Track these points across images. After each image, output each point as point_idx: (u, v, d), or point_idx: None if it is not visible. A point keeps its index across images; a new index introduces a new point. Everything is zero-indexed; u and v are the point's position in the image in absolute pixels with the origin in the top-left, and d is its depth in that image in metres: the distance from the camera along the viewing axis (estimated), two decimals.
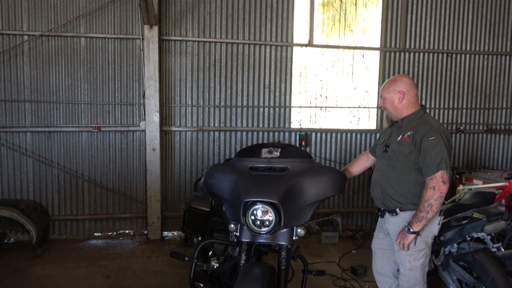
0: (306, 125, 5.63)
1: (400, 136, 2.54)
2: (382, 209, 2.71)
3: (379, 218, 2.82)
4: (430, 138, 2.36)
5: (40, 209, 4.87)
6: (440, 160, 2.32)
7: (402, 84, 2.57)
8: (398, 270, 2.73)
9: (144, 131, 5.05)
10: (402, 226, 2.52)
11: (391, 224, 2.63)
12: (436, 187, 2.32)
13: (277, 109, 5.47)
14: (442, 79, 5.81)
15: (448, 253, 3.04)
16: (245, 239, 2.32)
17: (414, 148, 2.43)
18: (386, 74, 5.65)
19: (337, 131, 5.64)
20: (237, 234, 2.37)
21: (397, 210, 2.55)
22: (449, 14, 5.71)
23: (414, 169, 2.48)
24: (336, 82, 5.65)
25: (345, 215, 5.76)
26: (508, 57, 5.91)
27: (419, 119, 2.52)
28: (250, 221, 2.19)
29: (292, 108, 5.53)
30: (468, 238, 2.88)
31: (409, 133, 2.49)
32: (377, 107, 5.73)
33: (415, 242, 2.46)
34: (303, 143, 5.48)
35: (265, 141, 5.46)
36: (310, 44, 5.47)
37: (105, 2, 4.89)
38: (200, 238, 3.88)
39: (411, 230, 2.40)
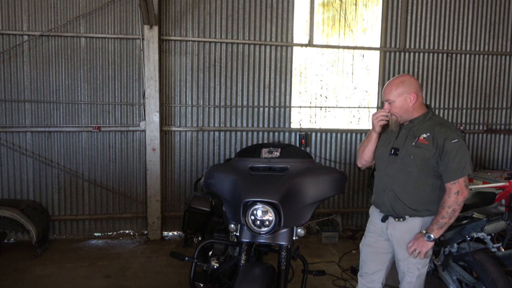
0: (306, 125, 5.63)
1: (416, 139, 2.39)
2: (385, 214, 2.56)
3: (376, 221, 2.64)
4: (453, 141, 2.26)
5: (40, 209, 4.87)
6: (464, 164, 2.25)
7: (412, 86, 2.44)
8: (385, 278, 2.67)
9: (144, 131, 5.05)
10: (411, 232, 2.41)
11: (397, 231, 2.47)
12: (460, 192, 2.25)
13: (277, 109, 5.47)
14: (442, 79, 5.81)
15: (448, 253, 3.04)
16: (245, 239, 2.32)
17: (435, 152, 2.31)
18: (386, 74, 5.65)
19: (337, 131, 5.64)
20: (237, 234, 2.37)
21: (406, 216, 2.43)
22: (449, 14, 5.71)
23: (432, 174, 2.36)
24: (336, 82, 5.65)
25: (345, 215, 5.76)
26: (508, 57, 5.91)
27: (431, 120, 2.42)
28: (250, 221, 2.19)
29: (292, 108, 5.53)
30: (468, 238, 2.88)
31: (425, 136, 2.36)
32: (377, 107, 5.73)
33: None
34: (303, 143, 5.48)
35: (265, 141, 5.46)
36: (310, 44, 5.47)
37: (105, 2, 4.89)
38: (200, 238, 3.88)
39: (432, 237, 2.30)
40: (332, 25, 5.58)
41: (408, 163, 2.39)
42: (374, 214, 2.66)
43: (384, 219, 2.55)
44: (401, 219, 2.44)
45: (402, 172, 2.42)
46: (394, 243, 2.51)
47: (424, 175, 2.36)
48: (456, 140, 2.26)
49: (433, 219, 2.33)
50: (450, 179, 2.27)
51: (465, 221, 2.94)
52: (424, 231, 2.34)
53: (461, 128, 5.84)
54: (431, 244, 2.33)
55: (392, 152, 2.49)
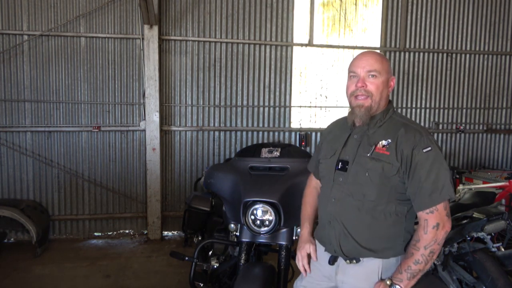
0: (306, 125, 5.63)
1: (372, 148, 1.68)
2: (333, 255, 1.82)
3: (322, 262, 1.88)
4: (425, 150, 1.58)
5: (40, 209, 4.87)
6: (443, 184, 1.56)
7: (390, 68, 1.79)
8: None
9: (144, 130, 5.04)
10: (369, 280, 1.70)
11: (350, 277, 1.75)
12: (441, 224, 1.55)
13: (277, 109, 5.47)
14: (442, 79, 5.81)
15: (448, 252, 3.04)
16: (245, 239, 2.32)
17: (400, 166, 1.61)
18: None
19: None
20: (237, 234, 2.38)
21: (361, 257, 1.72)
22: (449, 14, 5.71)
23: (395, 198, 1.66)
24: (336, 82, 5.65)
25: None
26: (508, 57, 5.91)
27: (392, 121, 1.73)
28: (250, 221, 2.20)
29: (292, 108, 5.52)
30: (468, 238, 2.88)
31: (385, 143, 1.66)
32: None
33: None
34: (303, 143, 5.47)
35: (265, 141, 5.46)
36: (310, 43, 5.47)
37: (105, 2, 4.89)
38: (200, 238, 3.88)
39: None
40: (332, 24, 5.58)
41: (362, 183, 1.68)
42: (320, 251, 1.89)
43: (332, 261, 1.82)
44: (354, 261, 1.73)
45: (354, 195, 1.70)
46: None
47: (384, 199, 1.66)
48: (430, 148, 1.58)
49: (401, 264, 1.61)
50: (424, 206, 1.57)
51: (465, 221, 2.94)
52: (388, 281, 1.62)
53: (461, 128, 5.84)
54: None
55: (339, 167, 1.76)
